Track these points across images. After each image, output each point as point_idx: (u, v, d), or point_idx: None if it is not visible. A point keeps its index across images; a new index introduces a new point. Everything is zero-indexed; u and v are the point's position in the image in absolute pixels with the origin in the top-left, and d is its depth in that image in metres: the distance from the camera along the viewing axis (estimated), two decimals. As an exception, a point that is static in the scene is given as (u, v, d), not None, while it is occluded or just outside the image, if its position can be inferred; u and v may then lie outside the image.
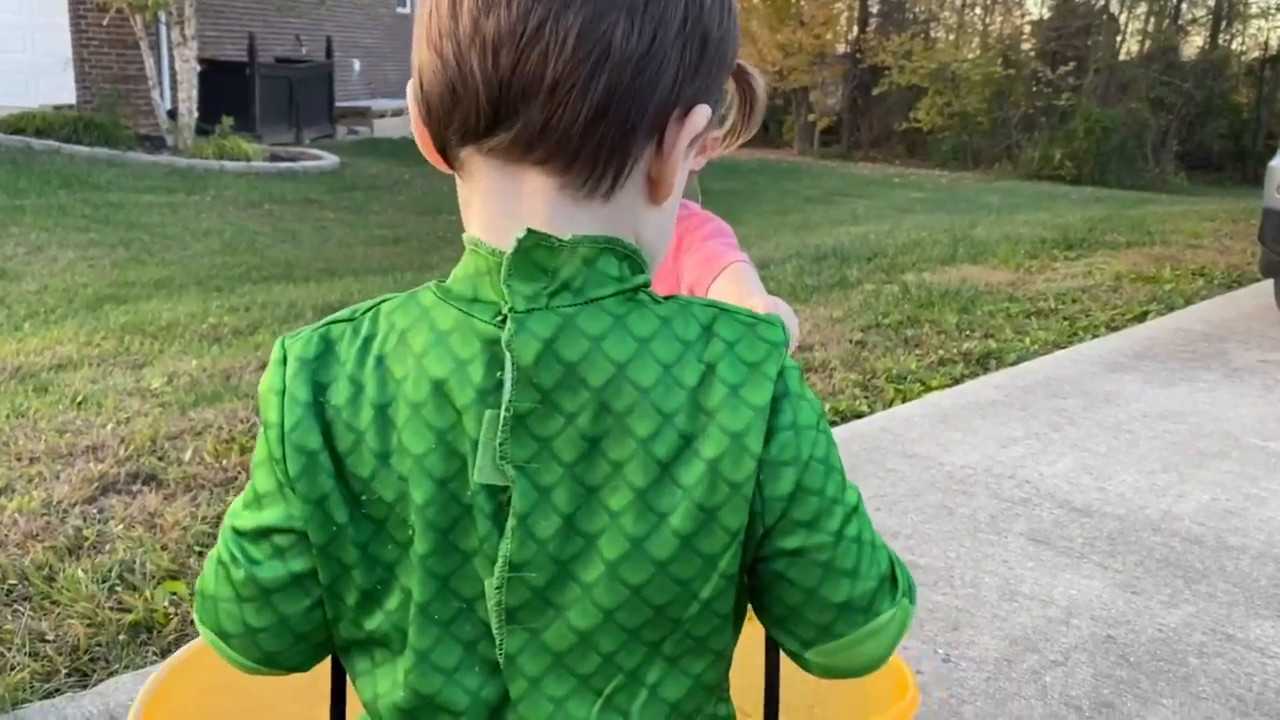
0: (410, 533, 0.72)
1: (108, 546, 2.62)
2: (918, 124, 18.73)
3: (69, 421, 3.49)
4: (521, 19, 0.66)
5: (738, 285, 1.32)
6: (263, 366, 4.13)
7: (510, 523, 0.71)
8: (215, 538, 2.70)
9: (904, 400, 4.14)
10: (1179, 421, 3.99)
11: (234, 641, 0.79)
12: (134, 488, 2.98)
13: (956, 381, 4.44)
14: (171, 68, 11.27)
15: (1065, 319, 5.69)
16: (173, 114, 11.03)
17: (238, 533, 0.78)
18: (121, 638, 2.24)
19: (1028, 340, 5.17)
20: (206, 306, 5.66)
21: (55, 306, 5.63)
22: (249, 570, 0.76)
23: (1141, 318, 5.84)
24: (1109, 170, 16.82)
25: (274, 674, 0.82)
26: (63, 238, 7.20)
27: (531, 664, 0.74)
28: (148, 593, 2.40)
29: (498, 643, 0.74)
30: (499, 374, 0.70)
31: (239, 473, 3.11)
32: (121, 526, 2.72)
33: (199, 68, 10.86)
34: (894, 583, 0.80)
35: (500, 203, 0.72)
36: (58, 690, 2.09)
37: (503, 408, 0.69)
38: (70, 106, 11.19)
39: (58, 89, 11.31)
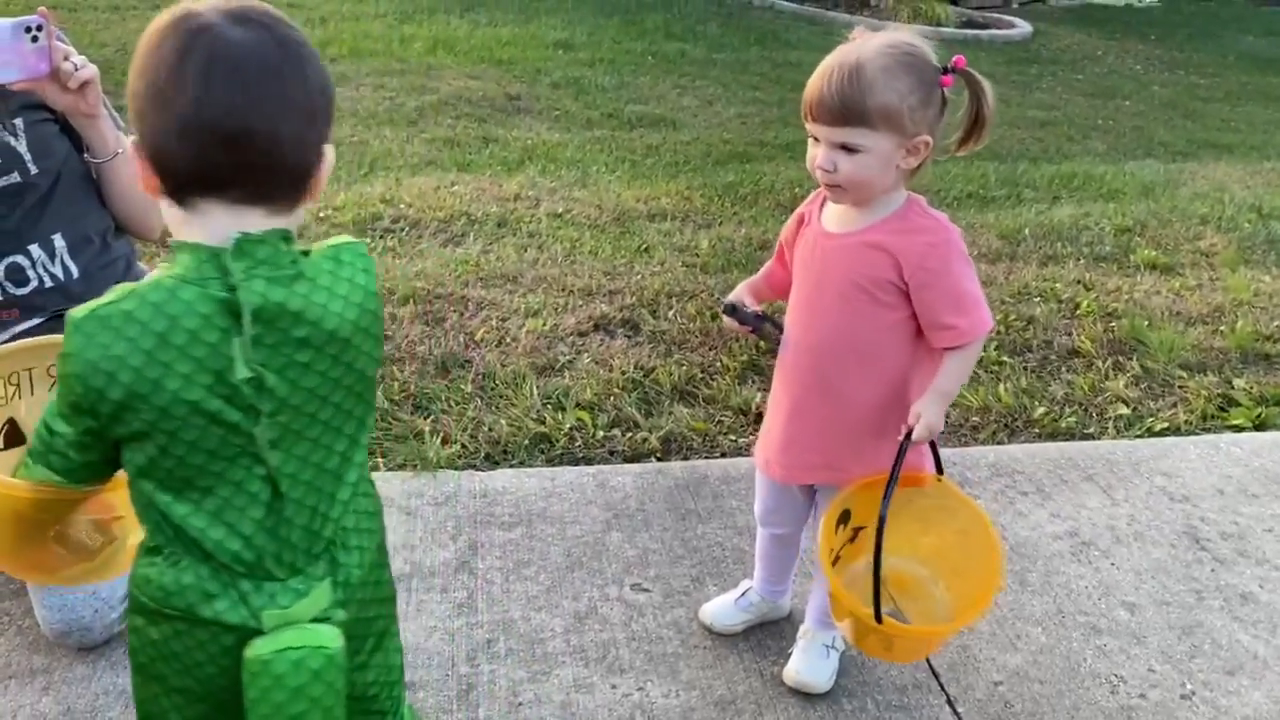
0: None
1: (566, 373, 3.45)
2: None
3: (617, 266, 4.40)
4: (234, 128, 1.18)
5: (941, 376, 1.91)
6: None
7: (265, 393, 1.24)
8: (635, 385, 3.39)
9: None
10: None
11: None
12: (617, 330, 3.79)
13: None
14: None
15: None
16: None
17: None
18: (526, 443, 3.05)
19: None
20: (801, 173, 6.30)
21: (690, 159, 6.69)
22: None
23: None
24: None
25: None
26: (733, 94, 8.30)
27: (287, 467, 1.29)
28: (561, 415, 3.17)
29: (267, 461, 1.27)
30: (234, 319, 1.20)
31: (695, 336, 3.75)
32: (587, 359, 3.54)
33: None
34: None
35: (229, 221, 1.22)
36: (472, 466, 2.96)
37: (245, 334, 1.21)
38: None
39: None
